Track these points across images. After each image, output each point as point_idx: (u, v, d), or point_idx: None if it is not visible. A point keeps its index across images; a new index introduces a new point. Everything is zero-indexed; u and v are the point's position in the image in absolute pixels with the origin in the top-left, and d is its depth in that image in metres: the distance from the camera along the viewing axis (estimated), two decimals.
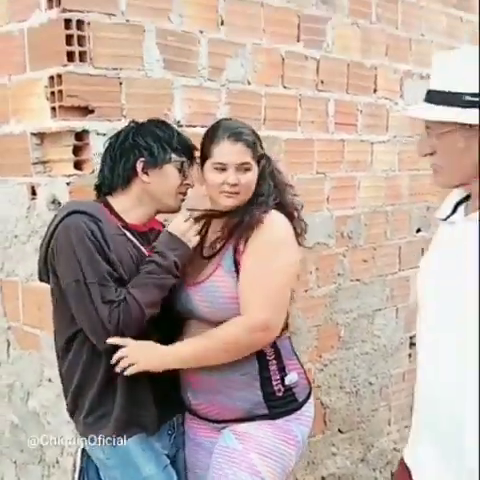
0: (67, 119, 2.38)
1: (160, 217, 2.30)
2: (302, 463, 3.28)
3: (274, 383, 2.12)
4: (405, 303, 3.83)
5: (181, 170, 2.15)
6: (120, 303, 1.97)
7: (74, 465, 2.41)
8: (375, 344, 3.71)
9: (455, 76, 1.52)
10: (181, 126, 2.66)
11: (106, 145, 2.18)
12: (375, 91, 3.59)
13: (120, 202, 2.13)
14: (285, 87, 3.11)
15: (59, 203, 2.44)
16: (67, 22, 2.32)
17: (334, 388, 3.52)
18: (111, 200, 2.14)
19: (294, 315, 3.08)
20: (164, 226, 2.27)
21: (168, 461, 2.19)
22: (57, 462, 2.61)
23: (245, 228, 2.06)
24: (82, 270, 1.95)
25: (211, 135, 2.13)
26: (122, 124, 2.29)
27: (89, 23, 2.37)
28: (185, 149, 2.17)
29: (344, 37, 3.38)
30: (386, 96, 3.63)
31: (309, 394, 2.23)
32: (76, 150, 2.41)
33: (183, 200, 2.20)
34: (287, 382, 2.14)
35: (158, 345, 2.06)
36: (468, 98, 1.49)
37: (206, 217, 2.24)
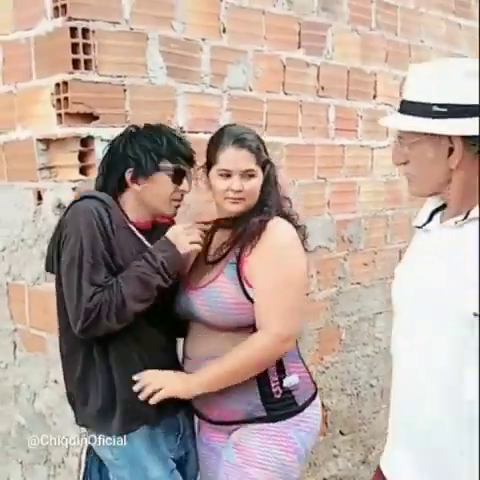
0: (73, 125, 2.42)
1: None
2: (304, 465, 3.32)
3: (272, 385, 2.12)
4: None
5: (174, 177, 2.16)
6: (105, 289, 2.01)
7: (79, 464, 2.46)
8: (376, 347, 3.75)
9: (425, 87, 1.54)
10: (184, 132, 2.70)
11: (105, 152, 2.23)
12: (375, 97, 3.63)
13: (121, 201, 2.18)
14: (286, 93, 3.15)
15: (64, 207, 2.48)
16: (73, 30, 2.37)
17: (335, 390, 3.55)
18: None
19: None
20: (173, 221, 2.30)
21: (174, 465, 2.22)
22: (63, 462, 2.65)
23: (249, 236, 2.08)
24: (81, 249, 2.00)
25: (216, 141, 2.16)
26: None
27: (94, 31, 2.42)
28: (178, 155, 2.16)
29: (344, 44, 3.43)
30: (386, 102, 3.67)
31: (312, 399, 2.21)
32: (81, 156, 2.45)
33: (178, 206, 2.21)
34: (286, 384, 2.14)
35: (180, 372, 2.12)
36: (436, 109, 1.50)
37: (214, 226, 2.28)
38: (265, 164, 2.18)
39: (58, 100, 2.43)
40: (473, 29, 4.26)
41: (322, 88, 3.32)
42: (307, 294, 3.30)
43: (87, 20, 2.40)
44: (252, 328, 2.09)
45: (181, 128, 2.71)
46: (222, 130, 2.21)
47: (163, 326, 2.21)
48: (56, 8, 2.39)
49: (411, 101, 1.56)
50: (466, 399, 1.49)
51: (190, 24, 2.73)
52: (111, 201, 2.12)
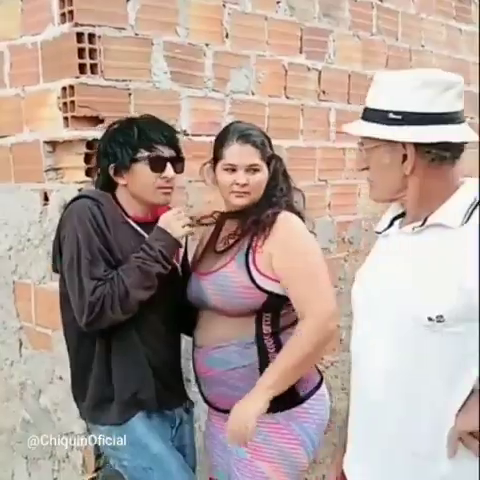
0: (79, 128, 2.48)
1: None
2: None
3: None
4: None
5: (152, 165, 2.18)
6: (106, 282, 2.08)
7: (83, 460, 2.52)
8: None
9: (383, 95, 1.57)
10: (187, 135, 2.77)
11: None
12: None
13: (118, 197, 2.25)
14: (288, 97, 3.21)
15: None
16: (79, 36, 2.43)
17: (336, 389, 3.59)
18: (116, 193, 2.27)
19: None
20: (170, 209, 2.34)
21: (172, 444, 2.28)
22: (67, 457, 2.69)
23: (262, 227, 2.16)
24: (78, 248, 2.07)
25: (222, 138, 2.24)
26: None
27: (100, 37, 2.48)
28: (152, 142, 2.18)
29: (345, 48, 3.49)
30: None
31: (316, 388, 2.25)
32: (87, 158, 2.50)
33: (167, 193, 2.24)
34: None
35: (246, 396, 2.06)
36: (392, 116, 1.53)
37: (222, 217, 2.36)
38: (270, 159, 2.25)
39: (64, 104, 2.49)
40: (473, 34, 4.32)
41: (323, 92, 3.38)
42: None
43: (93, 26, 2.46)
44: (256, 314, 2.16)
45: (185, 131, 2.77)
46: (228, 127, 2.29)
47: (167, 321, 2.28)
48: (63, 14, 2.45)
49: (371, 108, 1.59)
50: (428, 400, 1.53)
51: (194, 30, 2.78)
52: (106, 198, 2.19)
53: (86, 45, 2.44)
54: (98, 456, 2.59)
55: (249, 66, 3.02)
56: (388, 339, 1.57)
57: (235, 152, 2.19)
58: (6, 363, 3.00)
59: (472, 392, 1.50)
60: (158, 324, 2.25)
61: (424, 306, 1.48)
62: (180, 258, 2.37)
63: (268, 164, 2.24)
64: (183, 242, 2.31)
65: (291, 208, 2.25)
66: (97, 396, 2.21)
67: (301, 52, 3.27)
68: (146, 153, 2.17)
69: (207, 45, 2.85)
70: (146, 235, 2.21)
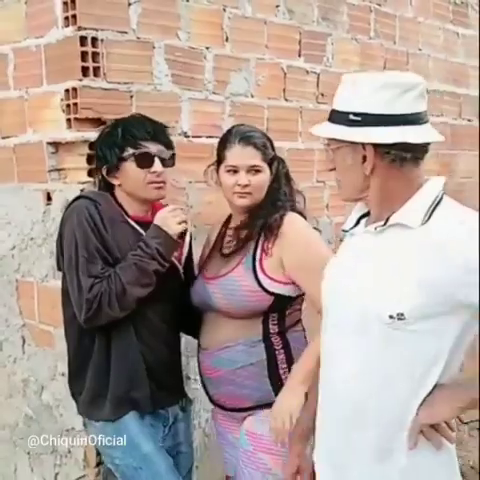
0: (81, 130, 2.53)
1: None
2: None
3: (281, 372, 2.22)
4: None
5: (138, 162, 2.21)
6: (104, 279, 2.13)
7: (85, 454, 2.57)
8: None
9: (345, 97, 1.61)
10: (188, 136, 2.82)
11: None
12: None
13: (118, 197, 2.30)
14: (287, 100, 3.26)
15: None
16: (82, 39, 2.48)
17: None
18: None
19: None
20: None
21: (161, 445, 2.31)
22: (69, 452, 2.74)
23: (269, 230, 2.22)
24: (76, 247, 2.13)
25: (224, 140, 2.30)
26: None
27: (102, 40, 2.53)
28: (136, 139, 2.21)
29: (343, 52, 3.54)
30: None
31: None
32: (89, 159, 2.55)
33: (159, 188, 2.26)
34: None
35: (284, 389, 2.13)
36: (352, 117, 1.56)
37: (227, 220, 2.42)
38: (272, 160, 2.31)
39: (68, 105, 2.54)
40: (470, 37, 4.37)
41: (322, 95, 3.42)
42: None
43: (96, 29, 2.51)
44: (263, 315, 2.21)
45: (185, 133, 2.82)
46: (230, 130, 2.34)
47: (166, 319, 2.32)
48: (66, 18, 2.51)
49: (335, 110, 1.63)
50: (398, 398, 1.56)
51: (194, 33, 2.84)
52: (104, 198, 2.24)
53: (89, 48, 2.49)
54: (99, 451, 2.63)
55: (249, 69, 3.07)
56: (353, 336, 1.60)
57: (237, 154, 2.24)
58: (9, 360, 3.05)
59: (435, 387, 1.55)
60: (157, 322, 2.29)
61: (385, 304, 1.51)
62: (183, 258, 2.41)
63: (270, 165, 2.29)
64: (187, 241, 2.36)
65: (295, 210, 2.30)
66: (93, 391, 2.26)
67: (300, 55, 3.31)
68: (132, 151, 2.21)
69: (207, 48, 2.90)
70: (144, 233, 2.25)
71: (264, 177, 2.27)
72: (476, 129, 4.51)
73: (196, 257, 2.50)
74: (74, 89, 2.51)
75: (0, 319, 3.06)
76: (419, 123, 1.57)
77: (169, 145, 2.30)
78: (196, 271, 2.45)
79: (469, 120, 4.50)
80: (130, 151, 2.21)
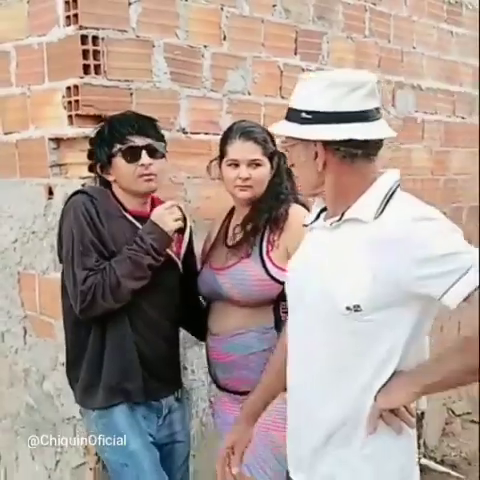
0: (82, 126, 2.58)
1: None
2: None
3: None
4: None
5: (126, 156, 2.26)
6: (98, 272, 2.19)
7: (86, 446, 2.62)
8: None
9: (298, 95, 1.65)
10: (186, 133, 2.88)
11: None
12: None
13: (115, 193, 2.36)
14: (283, 97, 3.29)
15: None
16: (83, 38, 2.54)
17: None
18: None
19: None
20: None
21: (151, 440, 2.34)
22: (70, 441, 2.81)
23: (275, 222, 2.30)
24: (72, 240, 2.20)
25: (226, 136, 2.39)
26: None
27: (103, 39, 2.58)
28: (121, 135, 2.26)
29: (339, 50, 3.59)
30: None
31: None
32: (90, 154, 2.60)
33: (150, 180, 2.29)
34: None
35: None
36: (304, 115, 1.60)
37: (230, 212, 2.49)
38: (273, 155, 2.37)
39: (69, 102, 2.60)
40: (463, 36, 4.43)
41: None
42: None
43: (97, 28, 2.56)
44: (273, 303, 2.29)
45: (183, 129, 2.88)
46: (232, 126, 2.43)
47: (163, 312, 2.37)
48: (68, 17, 2.56)
49: (291, 108, 1.66)
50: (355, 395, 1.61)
51: (193, 32, 2.89)
52: (102, 194, 2.31)
53: (90, 47, 2.55)
54: None
55: (246, 67, 3.12)
56: (314, 328, 1.64)
57: (237, 148, 2.32)
58: (11, 350, 3.11)
59: (393, 374, 1.59)
60: (152, 314, 2.34)
61: (342, 296, 1.56)
62: (182, 252, 2.46)
63: (271, 160, 2.36)
64: (187, 236, 2.42)
65: (298, 202, 2.37)
66: (87, 381, 2.31)
67: (296, 53, 3.36)
68: (119, 146, 2.27)
69: (205, 47, 2.95)
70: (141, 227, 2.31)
71: (264, 171, 2.34)
72: (469, 126, 4.58)
73: (197, 252, 2.56)
74: (75, 86, 2.56)
75: (2, 311, 3.12)
76: (369, 120, 1.59)
77: (158, 138, 2.34)
78: (199, 265, 2.51)
79: (463, 118, 4.56)
80: (117, 147, 2.27)
